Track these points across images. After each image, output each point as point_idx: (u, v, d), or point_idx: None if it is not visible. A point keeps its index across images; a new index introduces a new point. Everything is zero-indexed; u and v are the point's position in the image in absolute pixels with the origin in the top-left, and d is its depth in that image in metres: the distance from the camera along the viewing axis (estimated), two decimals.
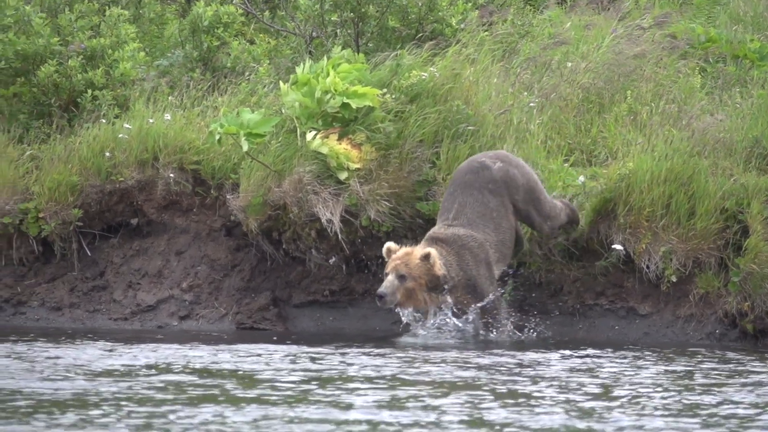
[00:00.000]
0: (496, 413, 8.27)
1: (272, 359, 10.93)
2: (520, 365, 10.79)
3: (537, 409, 8.46)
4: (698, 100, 14.58)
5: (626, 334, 13.44)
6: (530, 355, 11.48)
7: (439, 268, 12.20)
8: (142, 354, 11.19)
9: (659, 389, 9.52)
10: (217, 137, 13.40)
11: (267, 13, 16.82)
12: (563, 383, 9.73)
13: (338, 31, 15.65)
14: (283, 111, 13.83)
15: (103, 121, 14.44)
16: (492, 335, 12.59)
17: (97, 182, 14.18)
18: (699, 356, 11.83)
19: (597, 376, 10.19)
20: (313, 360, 10.89)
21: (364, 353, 11.47)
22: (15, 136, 14.52)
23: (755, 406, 8.80)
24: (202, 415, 8.05)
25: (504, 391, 9.26)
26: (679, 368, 10.88)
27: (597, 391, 9.40)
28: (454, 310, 12.51)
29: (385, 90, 13.83)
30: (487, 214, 12.52)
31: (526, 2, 17.04)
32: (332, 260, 13.74)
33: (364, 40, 15.61)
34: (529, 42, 15.52)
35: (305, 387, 9.25)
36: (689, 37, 15.52)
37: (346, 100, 13.47)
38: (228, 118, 13.38)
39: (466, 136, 13.88)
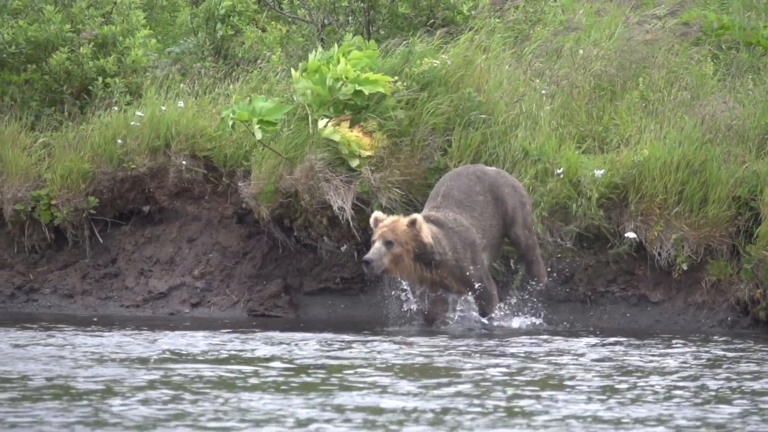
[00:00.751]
0: (528, 401, 8.25)
1: (302, 346, 10.94)
2: (549, 353, 10.77)
3: (570, 397, 8.44)
4: (710, 87, 14.54)
5: (638, 321, 13.43)
6: (557, 344, 11.45)
7: (426, 235, 12.26)
8: (176, 340, 11.21)
9: (690, 376, 9.50)
10: (230, 123, 13.40)
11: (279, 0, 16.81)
12: (595, 371, 9.71)
13: (350, 18, 15.63)
14: (295, 98, 13.83)
15: (115, 108, 14.45)
16: (485, 321, 12.59)
17: (109, 169, 14.21)
18: (723, 343, 11.79)
19: (627, 364, 10.15)
20: (343, 348, 10.90)
21: (388, 341, 11.46)
22: (27, 124, 14.54)
23: None
24: (246, 401, 8.05)
25: (536, 379, 9.25)
26: (708, 355, 10.85)
27: (628, 378, 9.37)
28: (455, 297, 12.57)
29: (396, 77, 13.82)
30: (473, 198, 12.63)
31: None
32: (344, 248, 13.75)
33: (375, 27, 15.60)
34: (542, 29, 15.48)
35: (338, 374, 9.26)
36: (702, 23, 15.47)
37: (358, 87, 13.47)
38: (240, 105, 13.38)
39: (478, 123, 13.87)
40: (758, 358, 10.75)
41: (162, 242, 14.30)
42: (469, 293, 12.51)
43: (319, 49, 13.78)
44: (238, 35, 15.58)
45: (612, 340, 11.89)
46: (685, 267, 13.26)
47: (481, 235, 12.59)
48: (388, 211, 13.40)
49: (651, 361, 10.37)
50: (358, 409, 7.90)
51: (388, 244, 12.23)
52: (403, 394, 8.42)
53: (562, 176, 13.45)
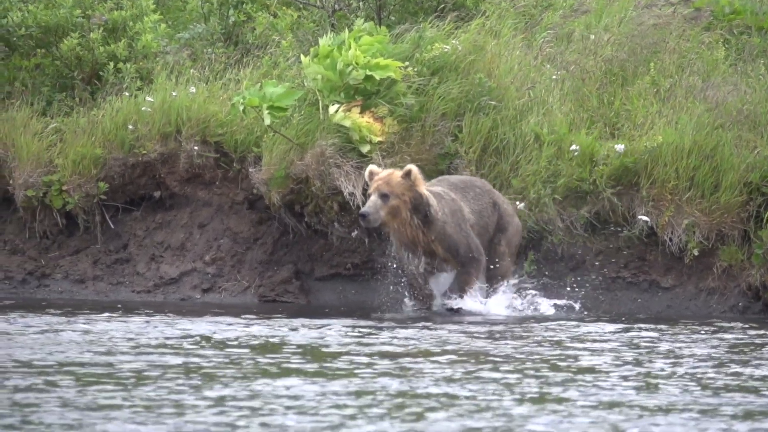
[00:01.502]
0: (561, 387, 8.25)
1: (329, 332, 10.95)
2: (574, 338, 10.76)
3: (603, 383, 8.43)
4: (722, 72, 14.50)
5: (649, 307, 13.43)
6: (581, 329, 11.43)
7: (421, 184, 12.26)
8: (202, 326, 11.23)
9: (717, 364, 9.48)
10: (241, 108, 13.40)
11: None
12: (622, 356, 9.70)
13: (360, 3, 15.60)
14: (306, 84, 13.82)
15: (126, 94, 14.45)
16: (451, 304, 12.53)
17: (120, 155, 14.21)
18: (750, 329, 11.77)
19: (653, 350, 10.12)
20: (371, 333, 10.89)
21: (412, 326, 11.45)
22: (38, 109, 14.54)
23: None
24: (278, 389, 8.06)
25: (567, 364, 9.24)
26: (733, 341, 10.82)
27: (654, 364, 9.35)
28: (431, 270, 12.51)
29: (407, 63, 13.80)
30: (469, 187, 12.76)
31: None
32: (354, 233, 13.75)
33: (386, 12, 15.57)
34: (552, 14, 15.45)
35: (371, 361, 9.26)
36: (713, 8, 15.42)
37: (368, 73, 13.45)
38: (251, 91, 13.38)
39: (488, 109, 13.85)
40: None
41: (173, 228, 14.31)
42: (452, 268, 12.42)
43: (330, 34, 13.76)
44: (249, 21, 15.56)
45: (637, 326, 11.85)
46: (696, 252, 13.25)
47: (469, 210, 12.60)
48: None
49: (681, 347, 10.33)
50: (395, 395, 7.89)
51: (384, 196, 12.22)
52: (437, 380, 8.42)
53: (576, 153, 13.43)
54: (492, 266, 12.76)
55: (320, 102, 13.65)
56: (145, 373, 8.49)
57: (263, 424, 7.04)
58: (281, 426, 7.05)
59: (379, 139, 13.47)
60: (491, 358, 9.48)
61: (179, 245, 14.23)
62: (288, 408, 7.47)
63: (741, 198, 13.25)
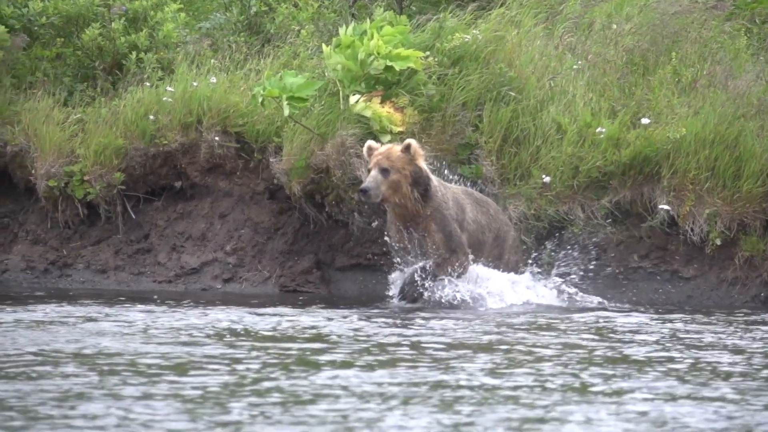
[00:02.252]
0: (599, 378, 8.23)
1: (365, 322, 10.96)
2: (605, 329, 10.73)
3: (645, 375, 8.39)
4: (744, 61, 14.44)
5: (670, 297, 13.41)
6: (611, 320, 11.40)
7: (421, 158, 12.23)
8: (238, 316, 11.25)
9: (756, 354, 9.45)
10: (260, 100, 13.41)
11: None
12: (659, 347, 9.68)
13: None
14: (326, 74, 13.82)
15: (147, 84, 14.48)
16: (426, 287, 12.42)
17: (141, 145, 14.25)
18: None
19: (694, 342, 10.09)
20: (406, 324, 10.89)
21: (448, 318, 11.44)
22: (60, 99, 14.59)
23: None
24: (319, 379, 8.07)
25: (606, 355, 9.22)
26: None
27: (693, 355, 9.32)
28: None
29: (427, 53, 13.79)
30: (482, 201, 12.86)
31: None
32: (375, 223, 13.76)
33: (407, 2, 15.55)
34: (573, 3, 15.41)
35: (405, 351, 9.27)
36: None
37: (389, 63, 13.44)
38: (271, 81, 13.38)
39: (509, 99, 13.83)
40: None
41: (194, 218, 14.35)
42: (437, 255, 12.34)
43: (352, 24, 13.76)
44: (271, 11, 15.56)
45: (670, 316, 11.80)
46: (718, 242, 13.22)
47: (472, 218, 12.52)
48: None
49: (722, 339, 10.29)
50: (436, 385, 7.89)
51: (384, 171, 12.18)
52: (476, 371, 8.41)
53: (603, 136, 13.40)
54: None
55: (341, 92, 13.65)
56: (186, 364, 8.48)
57: (310, 415, 7.03)
58: (339, 413, 7.05)
59: (400, 129, 13.47)
60: (529, 349, 9.43)
61: (200, 235, 14.27)
62: (335, 397, 7.46)
63: (763, 188, 13.21)
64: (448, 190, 12.56)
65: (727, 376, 8.47)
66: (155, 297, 13.13)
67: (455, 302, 12.33)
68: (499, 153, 13.73)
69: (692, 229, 13.28)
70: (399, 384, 7.90)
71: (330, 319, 11.13)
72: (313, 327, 10.57)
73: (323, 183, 13.73)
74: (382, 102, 13.52)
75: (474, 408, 7.27)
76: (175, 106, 14.19)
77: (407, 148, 12.20)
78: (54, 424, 6.74)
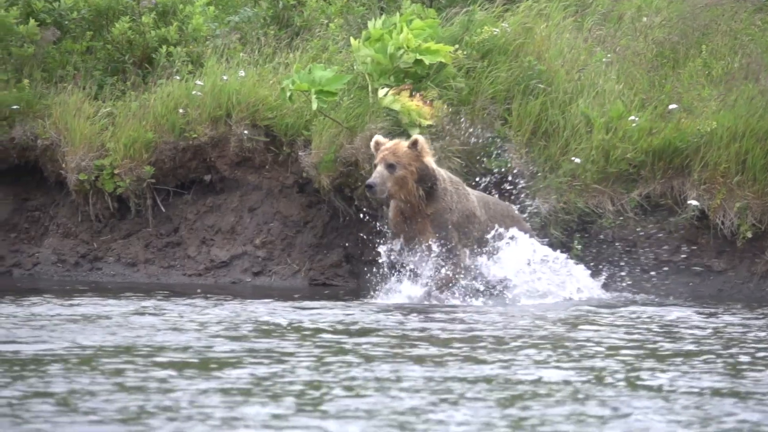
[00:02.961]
0: (657, 375, 8.16)
1: (403, 317, 10.94)
2: (643, 323, 10.68)
3: (688, 369, 8.34)
4: None
5: (701, 290, 13.36)
6: (648, 314, 11.33)
7: (428, 154, 12.16)
8: (281, 310, 11.25)
9: None
10: (288, 94, 13.43)
11: None
12: (701, 341, 9.62)
13: None
14: (355, 67, 13.83)
15: (177, 77, 14.52)
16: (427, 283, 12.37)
17: (170, 139, 14.29)
18: None
19: (741, 336, 10.03)
20: (446, 319, 10.83)
21: (486, 313, 11.42)
22: (90, 93, 14.64)
23: None
24: (377, 371, 8.07)
25: (650, 349, 9.17)
26: None
27: (743, 349, 9.27)
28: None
29: (456, 46, 13.78)
30: (489, 200, 12.67)
31: None
32: None
33: None
34: None
35: (458, 346, 9.24)
36: None
37: (419, 57, 13.44)
38: (300, 75, 13.39)
39: (538, 92, 13.81)
40: None
41: (223, 211, 14.39)
42: (432, 252, 12.26)
43: (382, 17, 13.76)
44: (299, 4, 15.57)
45: (710, 310, 11.71)
46: (749, 235, 13.17)
47: (479, 227, 12.41)
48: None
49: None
50: (489, 380, 7.85)
51: (390, 167, 12.11)
52: (526, 365, 8.38)
53: (635, 125, 13.37)
54: None
55: (370, 85, 13.66)
56: (234, 359, 8.48)
57: (370, 411, 7.02)
58: (390, 409, 7.04)
59: (429, 122, 13.46)
60: (575, 344, 9.37)
61: (229, 229, 14.31)
62: (387, 392, 7.45)
63: None
64: (464, 198, 12.37)
65: None
66: (198, 291, 13.15)
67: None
68: (528, 146, 13.71)
69: (723, 223, 13.23)
70: (452, 378, 7.87)
71: (376, 312, 11.10)
72: (355, 322, 10.52)
73: (352, 176, 13.74)
74: (411, 95, 13.51)
75: (534, 403, 7.25)
76: (204, 100, 14.23)
77: (414, 144, 12.11)
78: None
